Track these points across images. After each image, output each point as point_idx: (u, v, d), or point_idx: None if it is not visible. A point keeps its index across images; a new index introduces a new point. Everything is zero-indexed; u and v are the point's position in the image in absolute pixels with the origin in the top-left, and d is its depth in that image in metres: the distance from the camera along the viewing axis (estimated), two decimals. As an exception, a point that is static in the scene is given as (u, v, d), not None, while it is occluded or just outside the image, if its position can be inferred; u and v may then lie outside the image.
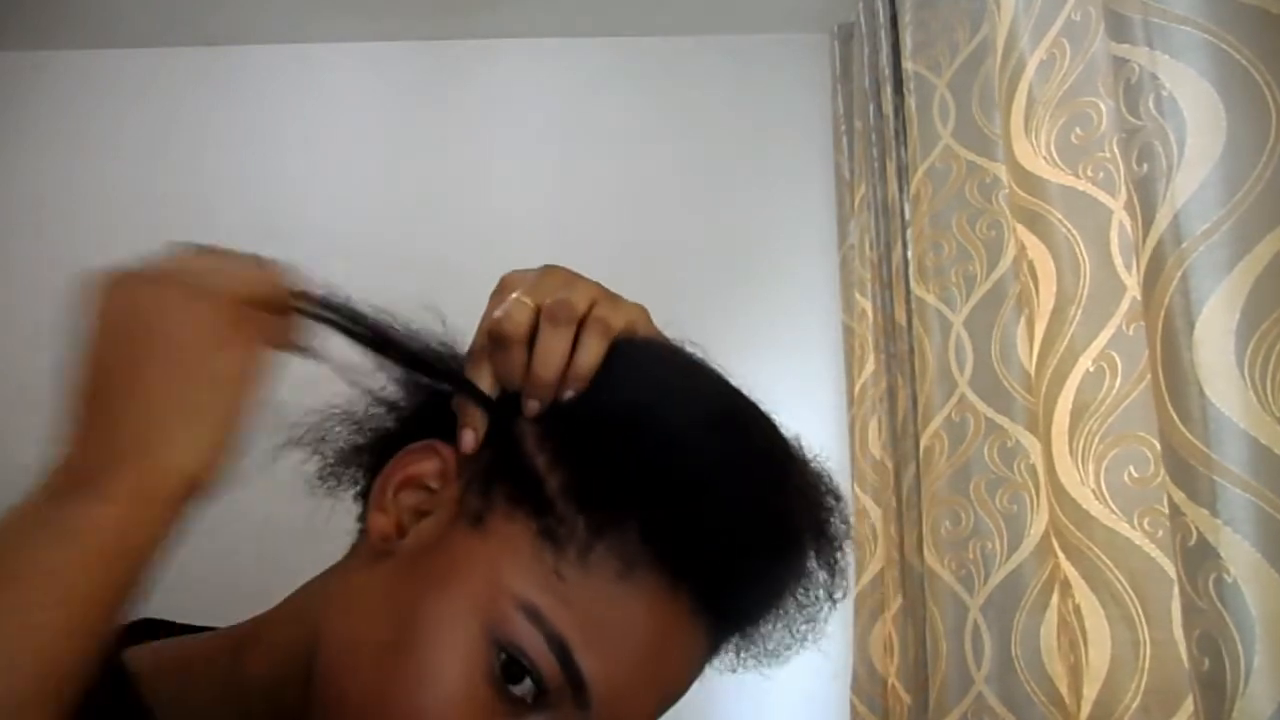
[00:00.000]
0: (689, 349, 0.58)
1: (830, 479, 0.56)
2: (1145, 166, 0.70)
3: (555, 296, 0.52)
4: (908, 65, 1.49)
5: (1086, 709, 0.89)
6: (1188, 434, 0.64)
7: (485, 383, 0.53)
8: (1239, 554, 0.60)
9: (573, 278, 0.54)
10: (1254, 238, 0.63)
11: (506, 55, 2.01)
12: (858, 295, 1.68)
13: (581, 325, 0.52)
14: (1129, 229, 0.89)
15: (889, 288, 1.58)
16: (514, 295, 0.52)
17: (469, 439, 0.52)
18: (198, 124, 1.98)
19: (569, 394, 0.52)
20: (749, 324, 1.81)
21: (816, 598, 0.55)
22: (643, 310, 0.56)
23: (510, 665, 0.46)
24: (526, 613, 0.46)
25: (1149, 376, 0.83)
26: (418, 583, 0.49)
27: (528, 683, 0.46)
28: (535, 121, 1.97)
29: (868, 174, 1.67)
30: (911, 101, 1.47)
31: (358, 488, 0.57)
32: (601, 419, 0.51)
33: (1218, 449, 0.62)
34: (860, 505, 1.63)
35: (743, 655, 0.56)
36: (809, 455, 0.56)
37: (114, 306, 0.47)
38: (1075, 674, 0.91)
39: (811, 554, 0.53)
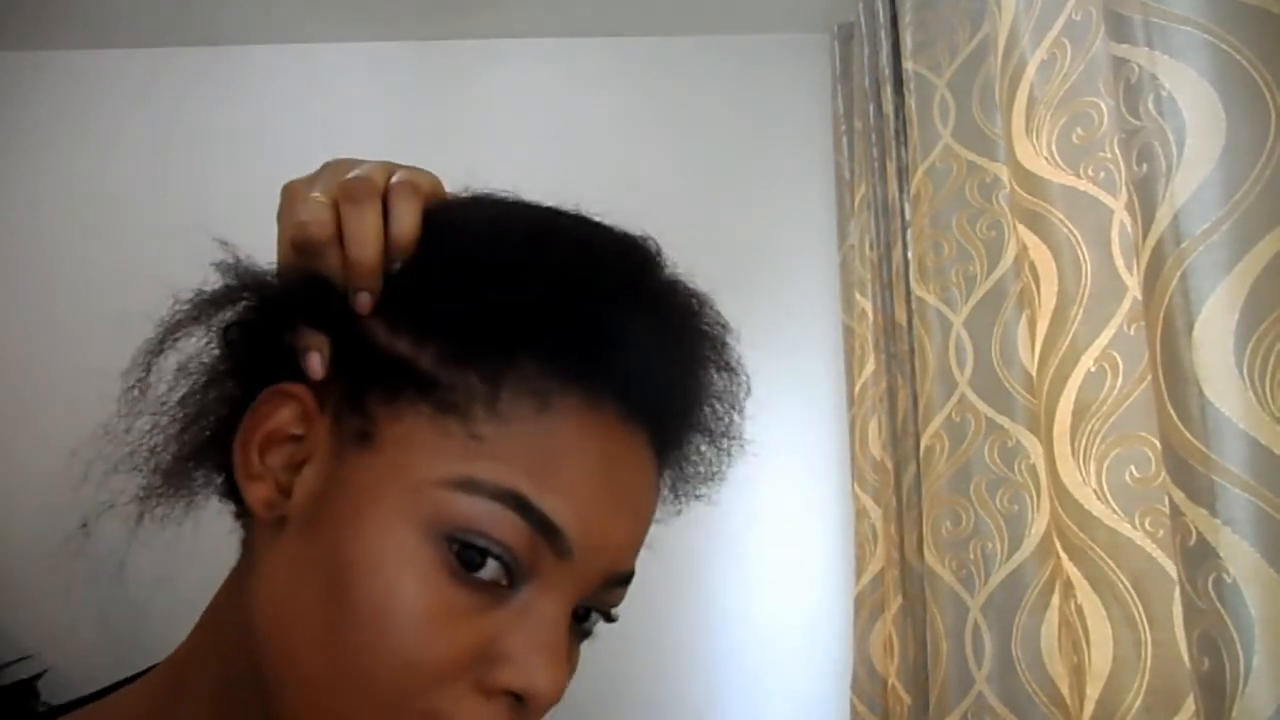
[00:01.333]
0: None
1: (672, 267, 0.53)
2: (1145, 167, 0.70)
3: (346, 178, 0.48)
4: (908, 65, 1.49)
5: (1089, 709, 0.89)
6: (1187, 434, 0.64)
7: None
8: (1238, 554, 0.60)
9: (355, 160, 0.51)
10: (1253, 238, 0.63)
11: (506, 55, 2.01)
12: (858, 295, 1.67)
13: (386, 196, 0.48)
14: (1130, 229, 0.89)
15: (889, 288, 1.58)
16: (308, 196, 0.48)
17: (315, 361, 0.47)
18: (198, 124, 1.98)
19: (396, 266, 0.47)
20: (749, 324, 1.81)
21: (726, 405, 0.54)
22: (437, 178, 0.52)
23: (466, 551, 0.43)
24: (460, 487, 0.43)
25: (1150, 377, 0.84)
26: (327, 531, 0.44)
27: (492, 564, 0.43)
28: (535, 121, 1.97)
29: (868, 174, 1.67)
30: (912, 101, 1.47)
31: (219, 490, 0.52)
32: (443, 275, 0.47)
33: (1217, 449, 0.62)
34: (860, 505, 1.63)
35: (680, 485, 0.55)
36: (650, 244, 0.53)
37: None
38: (1078, 674, 0.91)
39: (704, 332, 0.52)
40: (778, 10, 1.95)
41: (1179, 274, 0.65)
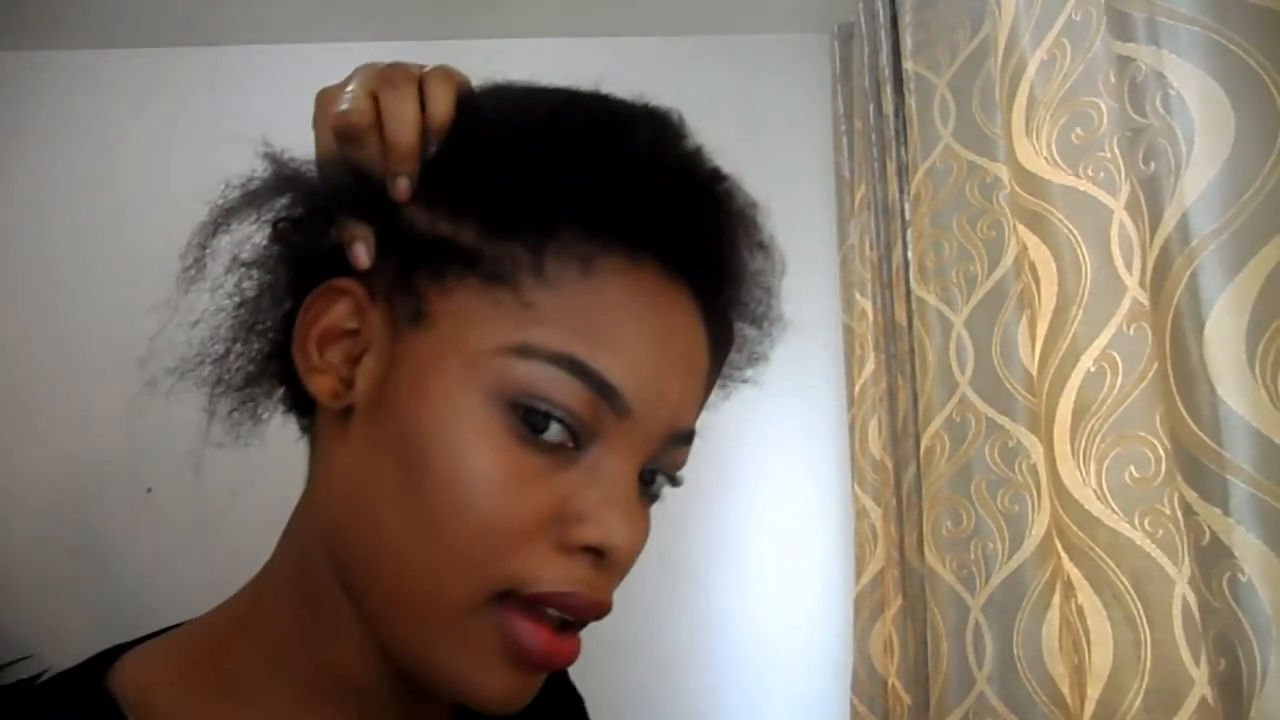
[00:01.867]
0: None
1: (695, 139, 0.55)
2: (1152, 165, 0.70)
3: (380, 69, 0.49)
4: (908, 65, 1.49)
5: (1090, 709, 0.89)
6: (1199, 433, 0.64)
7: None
8: (1252, 553, 0.60)
9: (386, 62, 0.51)
10: (1263, 237, 0.63)
11: (506, 55, 1.99)
12: (858, 295, 1.68)
13: (421, 82, 0.49)
14: (1130, 229, 0.89)
15: (889, 288, 1.58)
16: (344, 91, 0.49)
17: (360, 251, 0.48)
18: (198, 124, 1.97)
19: (433, 149, 0.49)
20: (749, 324, 1.81)
21: (766, 247, 0.54)
22: (466, 76, 0.53)
23: (530, 415, 0.44)
24: (518, 354, 0.44)
25: (1150, 376, 0.84)
26: (395, 406, 0.45)
27: (555, 426, 0.44)
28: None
29: (868, 174, 1.67)
30: (912, 101, 1.47)
31: (280, 401, 0.53)
32: (475, 153, 0.48)
33: (1230, 448, 0.62)
34: (860, 505, 1.63)
35: (726, 369, 0.56)
36: (674, 114, 0.55)
37: None
38: (1079, 674, 0.91)
39: (732, 194, 0.53)
40: (778, 10, 1.95)
41: (1188, 273, 0.66)
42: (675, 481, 0.52)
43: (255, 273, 0.51)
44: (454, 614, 0.44)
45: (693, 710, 1.76)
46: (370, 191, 0.49)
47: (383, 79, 0.49)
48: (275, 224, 0.51)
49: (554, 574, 0.44)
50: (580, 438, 0.45)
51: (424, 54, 1.97)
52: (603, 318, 0.45)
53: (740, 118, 1.98)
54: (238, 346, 0.52)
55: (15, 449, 1.83)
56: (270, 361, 0.52)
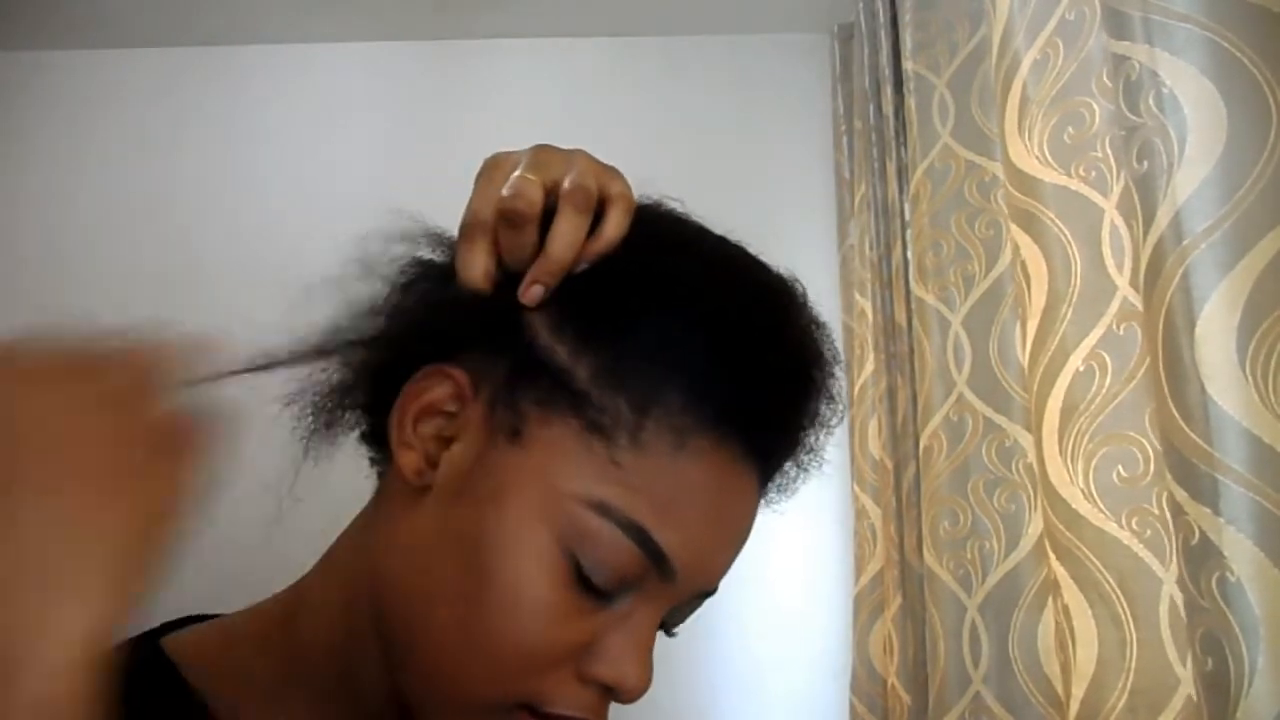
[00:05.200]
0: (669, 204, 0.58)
1: (814, 307, 0.57)
2: (1145, 164, 0.70)
3: (571, 178, 0.51)
4: (907, 65, 1.49)
5: (1074, 708, 0.89)
6: (1190, 433, 0.64)
7: (480, 263, 0.50)
8: (1242, 553, 0.60)
9: (568, 154, 0.53)
10: (1255, 236, 0.63)
11: (507, 55, 2.00)
12: (857, 295, 1.67)
13: (603, 201, 0.51)
14: (1121, 229, 0.89)
15: (889, 288, 1.58)
16: (518, 173, 0.50)
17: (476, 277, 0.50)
18: (198, 124, 1.98)
19: (582, 266, 0.50)
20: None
21: (831, 422, 0.56)
22: (626, 178, 0.55)
23: (587, 564, 0.47)
24: (595, 509, 0.47)
25: (1140, 376, 0.83)
26: (470, 510, 0.48)
27: (604, 576, 0.47)
28: (535, 121, 1.96)
29: (868, 174, 1.67)
30: (911, 101, 1.47)
31: (357, 430, 0.56)
32: (619, 290, 0.50)
33: (1220, 447, 0.62)
34: (860, 505, 1.63)
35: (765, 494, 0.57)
36: (798, 286, 0.57)
37: None
38: (1065, 674, 0.91)
39: (825, 379, 0.55)
40: (778, 10, 1.95)
41: (1180, 271, 0.65)
42: (670, 633, 0.55)
43: (371, 320, 0.53)
44: (477, 708, 0.48)
45: (693, 710, 1.76)
46: (503, 296, 0.51)
47: (569, 197, 0.50)
48: (404, 286, 0.54)
49: (570, 700, 0.48)
50: (622, 588, 0.48)
51: (424, 54, 1.97)
52: (680, 495, 0.48)
53: (740, 118, 1.98)
54: (336, 376, 0.54)
55: (15, 448, 1.84)
56: (350, 393, 0.54)
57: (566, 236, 0.50)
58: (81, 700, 0.30)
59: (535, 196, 0.50)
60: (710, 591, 0.53)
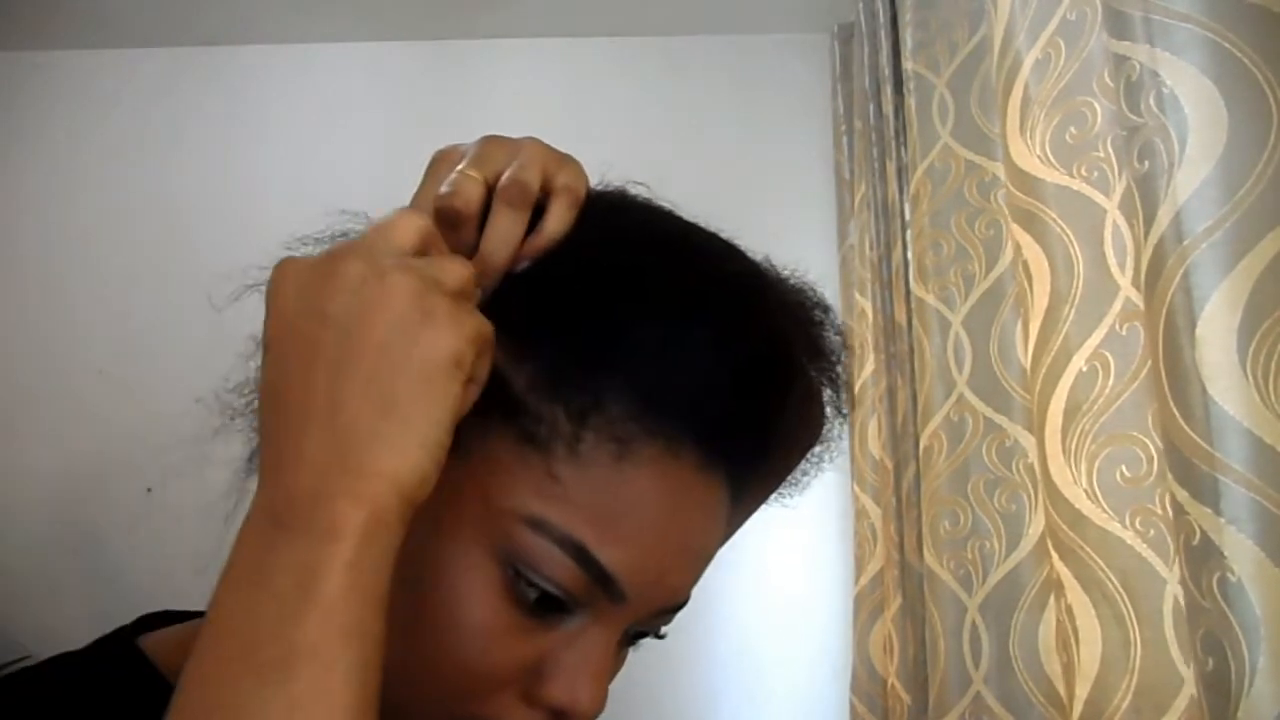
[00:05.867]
0: (626, 188, 0.54)
1: (813, 291, 0.54)
2: (1146, 164, 0.70)
3: (508, 173, 0.48)
4: (907, 65, 1.49)
5: (1078, 709, 0.89)
6: (1190, 432, 0.64)
7: None
8: (1243, 553, 0.60)
9: (515, 145, 0.50)
10: (1256, 236, 0.63)
11: (506, 55, 2.00)
12: (858, 295, 1.67)
13: (547, 193, 0.48)
14: (1123, 229, 0.89)
15: (889, 287, 1.58)
16: (459, 169, 0.47)
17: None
18: (198, 124, 1.98)
19: (524, 265, 0.47)
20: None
21: (825, 415, 0.53)
22: (580, 166, 0.52)
23: (526, 580, 0.44)
24: (529, 525, 0.44)
25: (1142, 376, 0.83)
26: (413, 526, 0.45)
27: (547, 595, 0.45)
28: (535, 121, 1.95)
29: (868, 174, 1.67)
30: (911, 101, 1.47)
31: None
32: (564, 289, 0.47)
33: (1221, 447, 0.62)
34: (860, 505, 1.63)
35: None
36: (783, 272, 0.53)
37: (286, 299, 0.40)
38: (1068, 673, 0.91)
39: (811, 372, 0.51)
40: (778, 10, 1.95)
41: (1181, 271, 0.65)
42: (659, 636, 0.53)
43: None
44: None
45: (693, 710, 1.76)
46: None
47: (504, 194, 0.47)
48: None
49: None
50: (568, 607, 0.46)
51: (424, 54, 1.97)
52: (623, 509, 0.45)
53: (740, 118, 1.98)
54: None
55: (15, 449, 1.84)
56: None
57: (500, 235, 0.47)
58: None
59: (473, 194, 0.47)
60: (679, 605, 0.50)
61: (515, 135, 0.50)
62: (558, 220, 0.48)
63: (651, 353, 0.45)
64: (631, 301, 0.46)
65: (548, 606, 0.45)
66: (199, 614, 0.57)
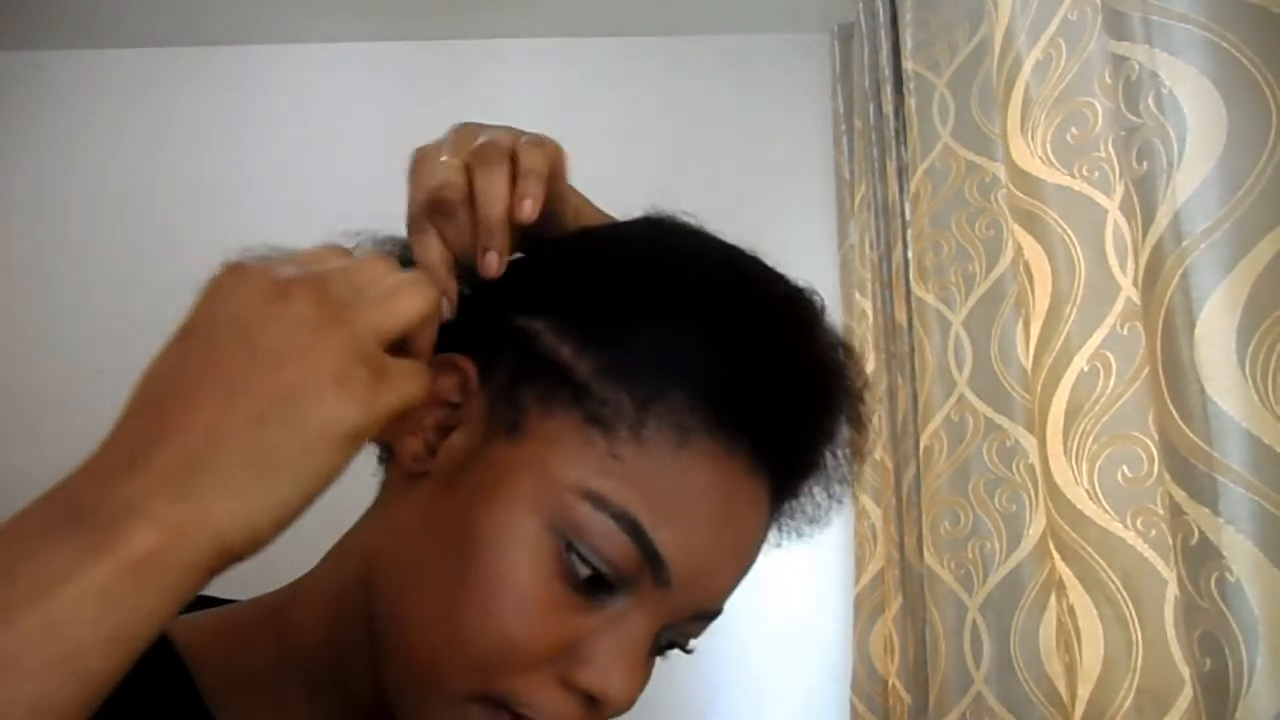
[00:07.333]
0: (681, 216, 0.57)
1: (840, 332, 0.56)
2: (1145, 164, 0.70)
3: (476, 143, 0.50)
4: (907, 65, 1.49)
5: (1080, 709, 0.89)
6: (1189, 433, 0.64)
7: (435, 253, 0.50)
8: (1241, 553, 0.60)
9: (483, 125, 0.52)
10: (1255, 236, 0.63)
11: (506, 55, 2.00)
12: (858, 295, 1.67)
13: (514, 155, 0.50)
14: (1124, 229, 0.89)
15: (889, 287, 1.58)
16: (440, 160, 0.50)
17: (444, 306, 0.48)
18: (197, 124, 1.98)
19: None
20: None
21: (847, 454, 0.55)
22: (559, 148, 0.54)
23: (577, 555, 0.45)
24: (589, 499, 0.45)
25: (1144, 376, 0.83)
26: (464, 497, 0.47)
27: (595, 573, 0.46)
28: (535, 121, 1.95)
29: (868, 174, 1.67)
30: (911, 101, 1.47)
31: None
32: (621, 294, 0.49)
33: (1219, 448, 0.62)
34: (860, 505, 1.63)
35: (785, 522, 0.56)
36: (817, 299, 0.56)
37: (224, 303, 0.39)
38: (1070, 674, 0.91)
39: (844, 404, 0.53)
40: (778, 10, 1.95)
41: (1180, 272, 0.65)
42: (686, 650, 0.53)
43: None
44: (448, 695, 0.46)
45: (693, 710, 1.76)
46: (508, 293, 0.50)
47: (477, 156, 0.50)
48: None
49: (548, 705, 0.46)
50: (615, 587, 0.47)
51: (424, 54, 1.97)
52: (679, 494, 0.47)
53: (740, 118, 1.98)
54: None
55: (15, 449, 1.84)
56: None
57: (489, 192, 0.49)
58: None
59: (457, 179, 0.49)
60: (714, 611, 0.52)
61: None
62: (526, 181, 0.50)
63: (709, 354, 0.48)
64: (693, 308, 0.48)
65: (596, 586, 0.46)
66: (225, 601, 0.58)
